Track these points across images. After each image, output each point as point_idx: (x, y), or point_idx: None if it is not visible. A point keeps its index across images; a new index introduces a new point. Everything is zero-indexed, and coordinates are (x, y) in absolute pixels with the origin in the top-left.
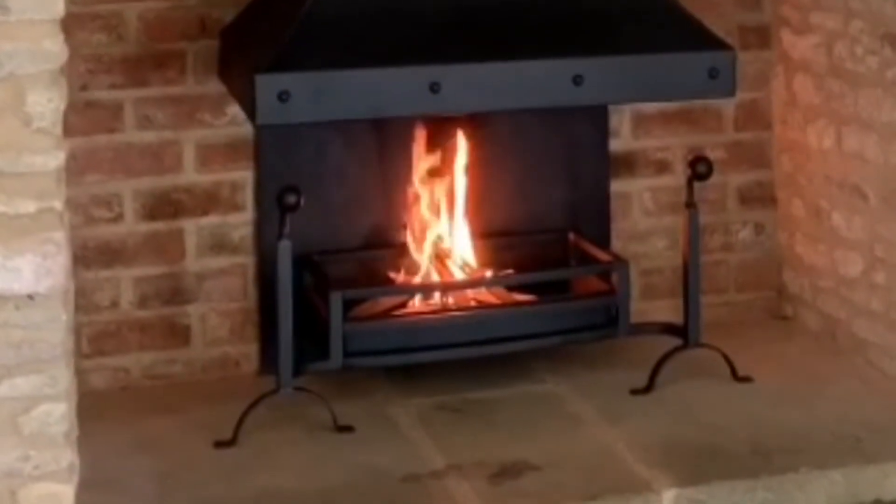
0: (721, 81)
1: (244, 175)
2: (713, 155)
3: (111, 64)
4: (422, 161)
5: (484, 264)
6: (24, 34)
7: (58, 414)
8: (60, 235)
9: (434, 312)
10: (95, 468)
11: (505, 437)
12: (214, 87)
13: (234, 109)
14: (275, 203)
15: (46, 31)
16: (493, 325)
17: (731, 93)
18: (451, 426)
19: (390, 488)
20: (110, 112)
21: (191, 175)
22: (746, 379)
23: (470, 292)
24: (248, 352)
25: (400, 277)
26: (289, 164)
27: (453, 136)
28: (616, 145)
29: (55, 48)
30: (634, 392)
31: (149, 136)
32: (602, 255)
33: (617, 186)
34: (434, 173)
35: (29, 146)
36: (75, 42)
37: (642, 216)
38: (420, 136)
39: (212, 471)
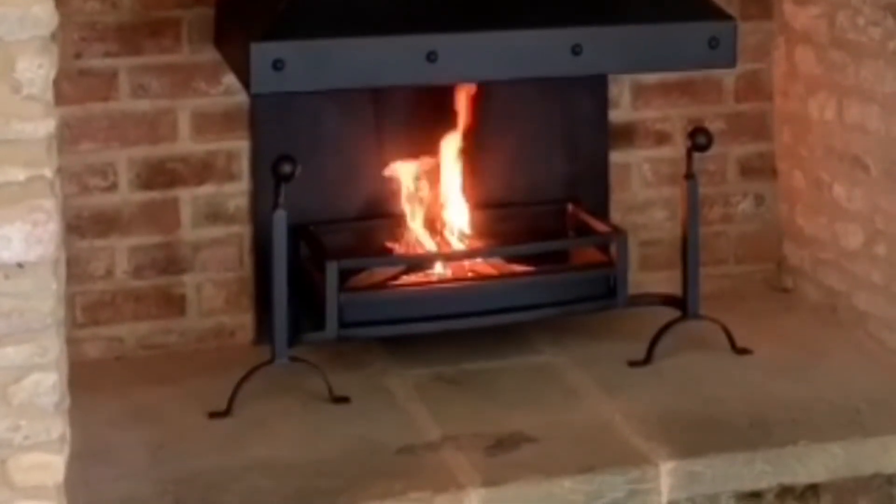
0: (721, 52)
1: (240, 144)
2: (713, 126)
3: (105, 32)
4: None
5: (482, 235)
6: None
7: (48, 384)
8: (51, 204)
9: (431, 283)
10: (89, 438)
11: (502, 409)
12: (210, 55)
13: (230, 78)
14: (270, 172)
15: None
16: (490, 296)
17: (731, 63)
18: (447, 397)
19: (386, 459)
20: (104, 80)
21: (186, 144)
22: (745, 351)
23: (467, 263)
24: (243, 322)
25: (397, 248)
26: (284, 133)
27: (451, 106)
28: (615, 116)
29: (45, 14)
30: (633, 364)
31: (143, 105)
32: (601, 227)
33: (616, 157)
34: (432, 144)
35: (18, 113)
36: (69, 10)
37: (641, 187)
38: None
39: (206, 441)
